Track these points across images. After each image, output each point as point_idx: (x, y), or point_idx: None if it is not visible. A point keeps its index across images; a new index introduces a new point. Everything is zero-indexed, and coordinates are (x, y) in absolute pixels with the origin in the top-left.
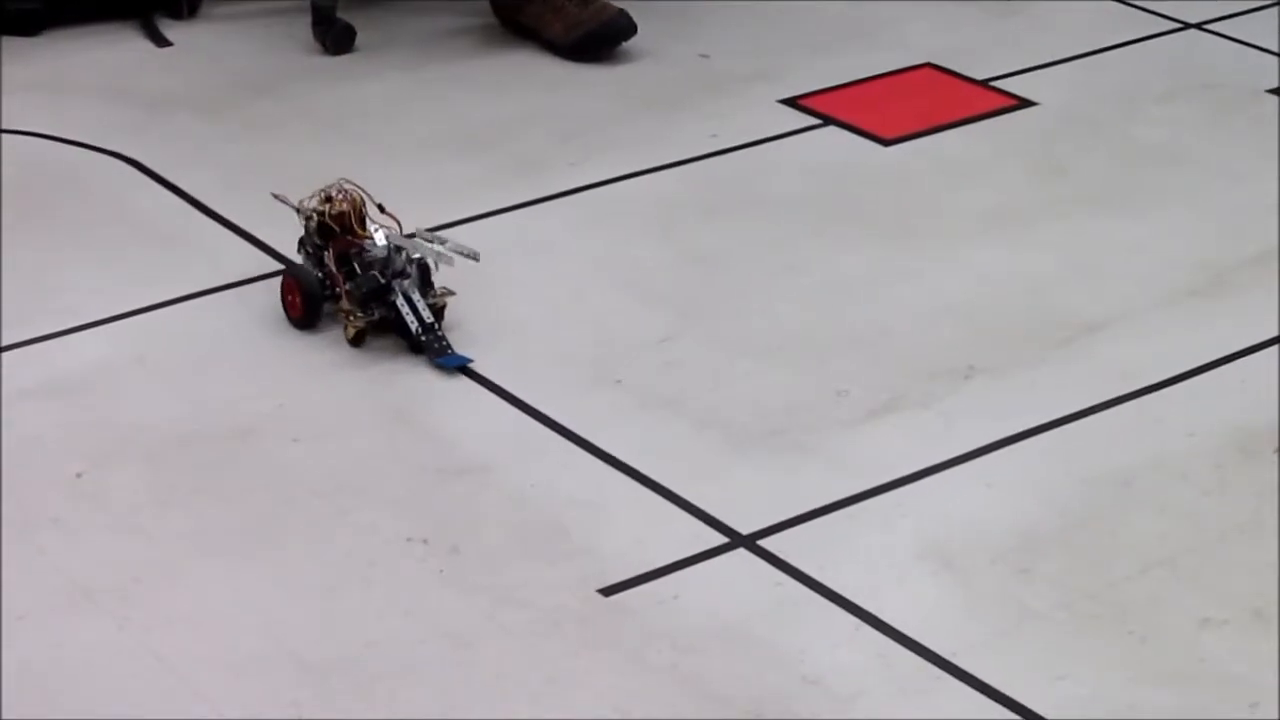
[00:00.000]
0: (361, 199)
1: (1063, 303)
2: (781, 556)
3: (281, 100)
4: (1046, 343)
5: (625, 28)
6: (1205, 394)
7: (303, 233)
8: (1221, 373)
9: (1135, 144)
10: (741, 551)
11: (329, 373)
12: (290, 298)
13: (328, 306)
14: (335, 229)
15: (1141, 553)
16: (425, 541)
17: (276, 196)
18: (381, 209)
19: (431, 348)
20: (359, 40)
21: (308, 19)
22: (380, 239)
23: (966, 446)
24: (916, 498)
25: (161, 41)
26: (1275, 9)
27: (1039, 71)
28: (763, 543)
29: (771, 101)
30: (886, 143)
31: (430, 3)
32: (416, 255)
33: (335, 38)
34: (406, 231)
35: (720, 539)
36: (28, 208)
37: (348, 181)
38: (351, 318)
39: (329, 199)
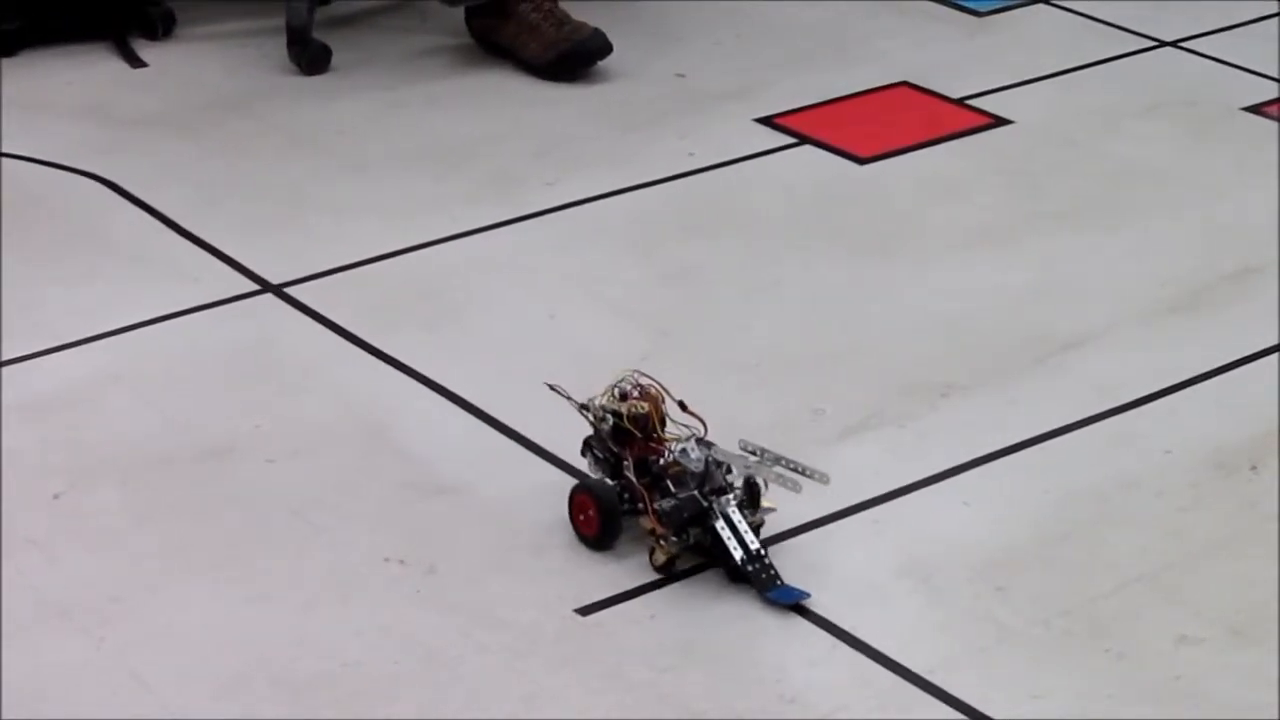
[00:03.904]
0: (661, 396)
1: (1040, 320)
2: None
3: (257, 120)
4: (1024, 360)
5: (601, 47)
6: (1182, 411)
7: (591, 434)
8: (1199, 390)
9: (1112, 161)
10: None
11: (304, 392)
12: (584, 515)
13: (626, 522)
14: (634, 432)
15: (1119, 570)
16: (402, 561)
17: (553, 388)
18: (683, 407)
19: (760, 579)
20: (335, 60)
21: (283, 39)
22: (695, 449)
23: (943, 464)
24: (894, 515)
25: (136, 62)
26: (1250, 27)
27: (1015, 89)
28: (583, 460)
29: (748, 120)
30: (863, 161)
31: (406, 23)
32: (749, 472)
33: (311, 58)
34: (707, 433)
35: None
36: (3, 228)
37: (642, 374)
38: (662, 542)
39: (624, 396)
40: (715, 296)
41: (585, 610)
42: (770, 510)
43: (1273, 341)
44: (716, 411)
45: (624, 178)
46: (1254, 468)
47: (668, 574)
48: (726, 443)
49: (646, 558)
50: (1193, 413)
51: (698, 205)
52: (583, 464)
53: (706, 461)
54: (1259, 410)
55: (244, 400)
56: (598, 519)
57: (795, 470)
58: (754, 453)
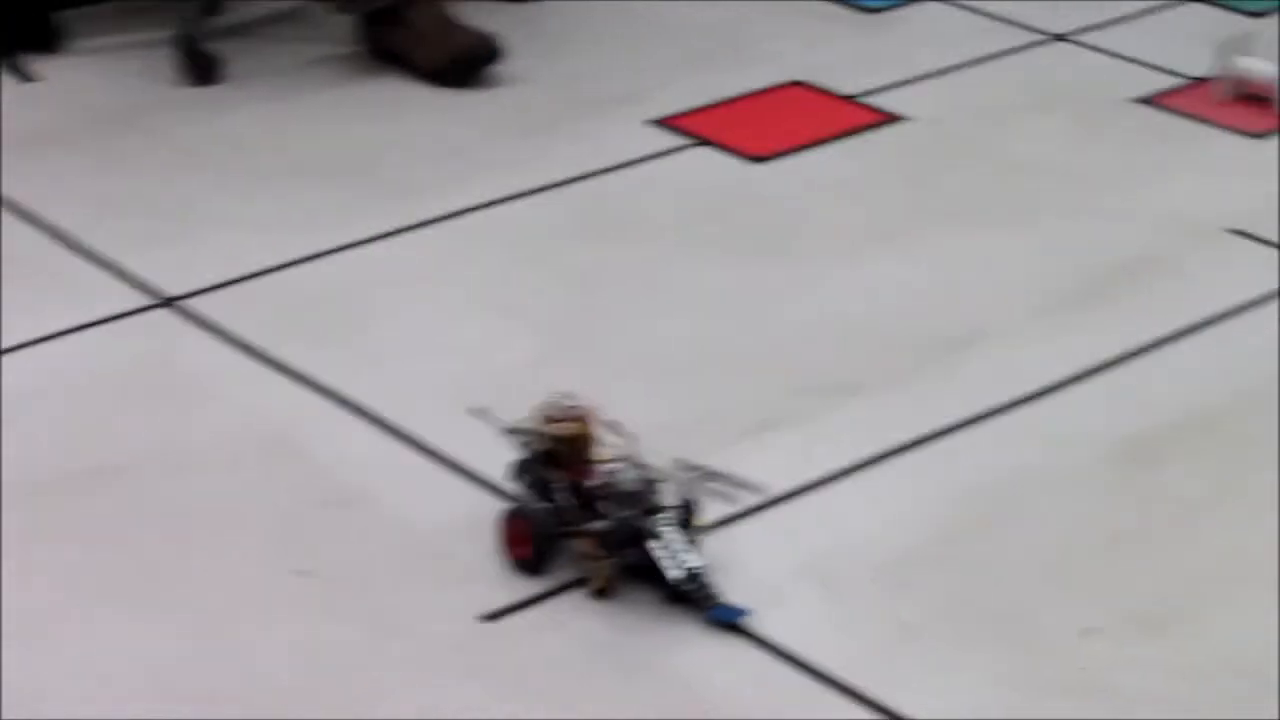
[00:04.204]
0: (591, 417)
1: (937, 316)
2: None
3: (148, 133)
4: (922, 356)
5: (492, 52)
6: (1081, 404)
7: (523, 457)
8: (1096, 382)
9: (1005, 157)
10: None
11: (203, 405)
12: (517, 539)
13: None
14: (565, 455)
15: (1021, 564)
16: (307, 573)
17: (478, 414)
18: (613, 428)
19: (698, 599)
20: (226, 71)
21: (174, 50)
22: (628, 470)
23: (844, 462)
24: (795, 515)
25: (25, 77)
26: (1139, 20)
27: (908, 86)
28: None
29: (641, 122)
30: (757, 161)
31: (297, 32)
32: (685, 491)
33: (202, 69)
34: (638, 454)
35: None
36: None
37: (569, 395)
38: (599, 565)
39: (554, 419)
40: (613, 300)
41: (490, 618)
42: (707, 529)
43: (1169, 331)
44: (617, 416)
45: (518, 183)
46: (1154, 459)
47: (606, 597)
48: (653, 456)
49: (560, 570)
50: (1091, 405)
51: (593, 209)
52: (491, 473)
53: (641, 481)
54: (1157, 401)
55: (143, 415)
56: (531, 543)
57: (732, 485)
58: (689, 470)
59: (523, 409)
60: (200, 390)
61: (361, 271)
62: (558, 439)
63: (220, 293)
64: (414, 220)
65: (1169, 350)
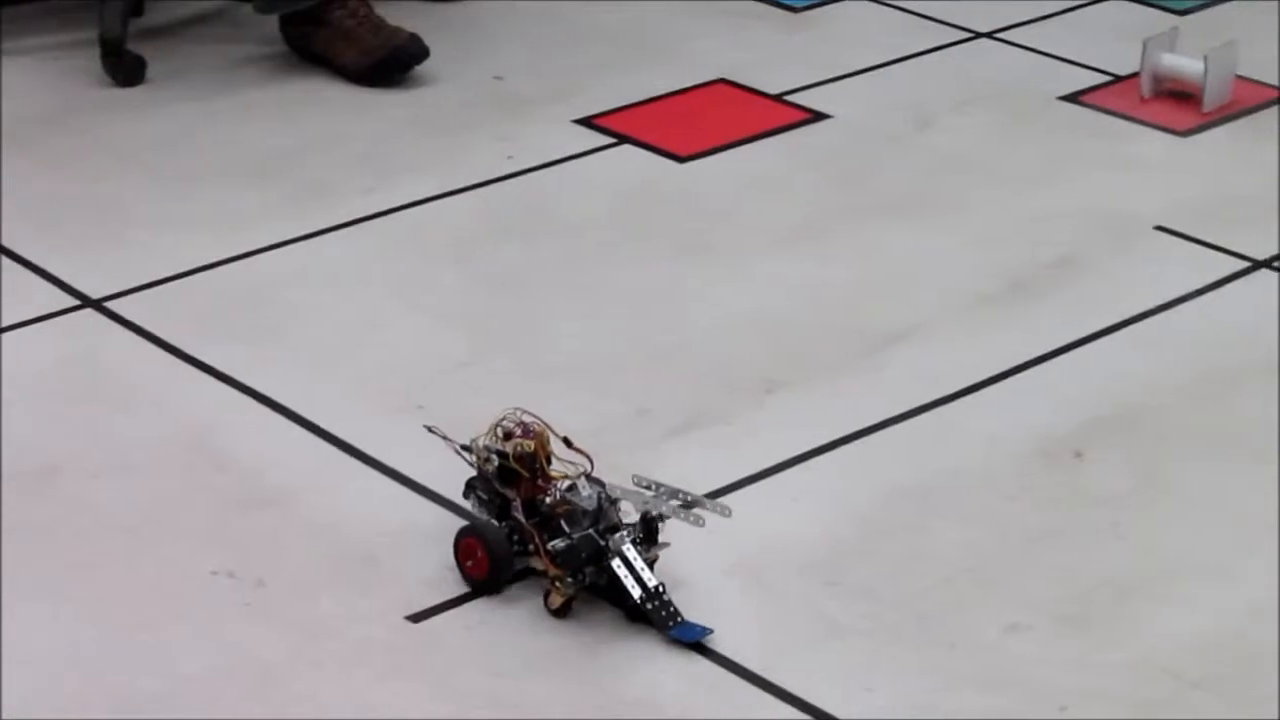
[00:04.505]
0: (546, 433)
1: (862, 314)
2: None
3: (73, 134)
4: (847, 354)
5: (417, 52)
6: (1006, 401)
7: (474, 475)
8: (1021, 379)
9: (930, 154)
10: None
11: (128, 406)
12: (472, 558)
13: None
14: (521, 472)
15: (946, 561)
16: (231, 574)
17: (432, 431)
18: (569, 443)
19: (659, 618)
20: (150, 71)
21: (97, 52)
22: (585, 486)
23: (770, 461)
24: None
25: None
26: (1064, 16)
27: (833, 84)
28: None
29: (567, 121)
30: (682, 159)
31: (220, 32)
32: (646, 508)
33: (125, 70)
34: (592, 471)
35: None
36: None
37: (525, 412)
38: (558, 584)
39: (508, 435)
40: (537, 299)
41: (417, 618)
42: (665, 546)
43: (1094, 328)
44: (540, 414)
45: (443, 183)
46: (1078, 455)
47: (564, 616)
48: (610, 473)
49: (517, 589)
50: (1016, 402)
51: (518, 208)
52: (416, 473)
53: (599, 498)
54: (1082, 398)
55: (67, 417)
56: (487, 561)
57: (693, 505)
58: (648, 487)
59: (449, 409)
60: (124, 391)
61: (286, 272)
62: (513, 456)
63: (144, 293)
64: (338, 220)
65: (1094, 347)
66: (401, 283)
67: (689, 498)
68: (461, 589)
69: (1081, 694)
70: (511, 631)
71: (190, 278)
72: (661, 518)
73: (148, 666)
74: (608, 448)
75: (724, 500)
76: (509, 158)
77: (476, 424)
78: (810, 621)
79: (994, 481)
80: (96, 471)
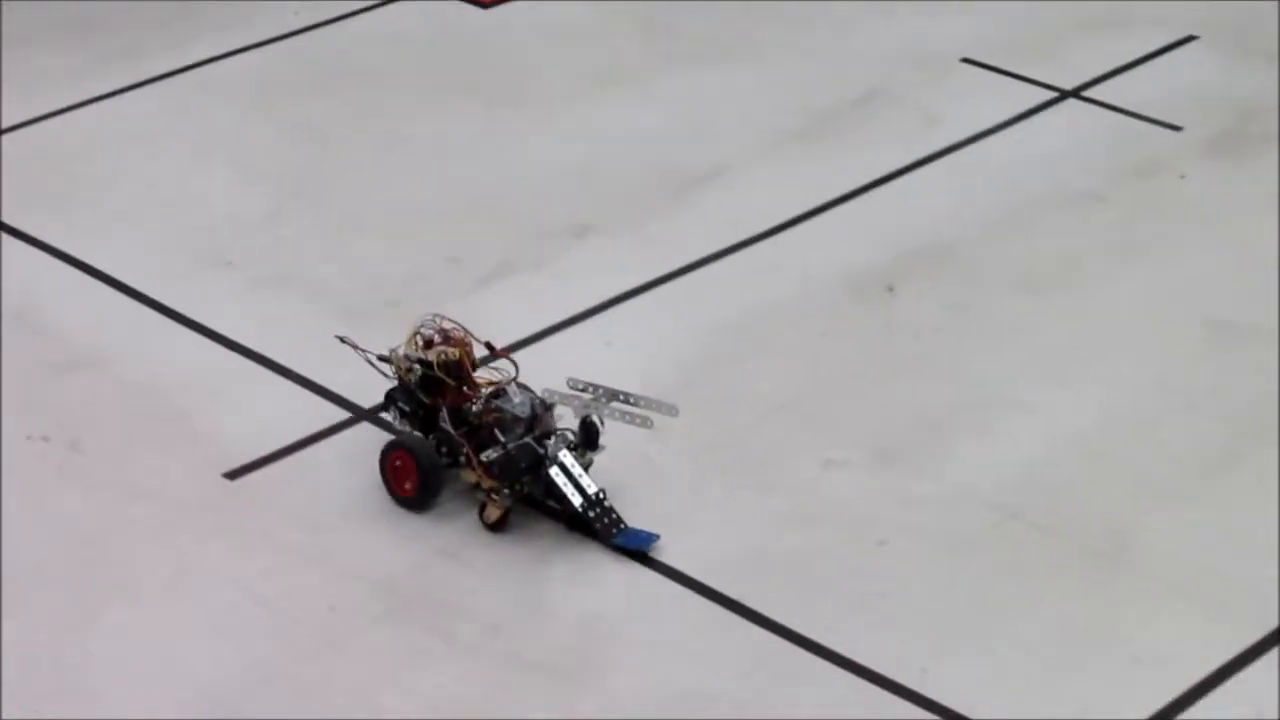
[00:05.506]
0: (467, 339)
1: (672, 156)
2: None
3: None
4: (658, 197)
5: None
6: (817, 237)
7: (395, 386)
8: (832, 215)
9: None
10: (365, 425)
11: None
12: (400, 474)
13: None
14: (447, 381)
15: (762, 399)
16: (45, 439)
17: (344, 340)
18: (491, 348)
19: (602, 526)
20: None
21: None
22: (516, 393)
23: (583, 305)
24: (536, 359)
25: None
26: None
27: None
28: (386, 415)
29: None
30: (486, 6)
31: None
32: (585, 412)
33: None
34: (519, 373)
35: (343, 414)
36: None
37: (443, 318)
38: (494, 496)
39: (429, 343)
40: (344, 152)
41: (233, 474)
42: (602, 450)
43: (904, 163)
44: (355, 270)
45: (245, 37)
46: (890, 289)
47: (502, 530)
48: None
49: (448, 501)
50: (828, 238)
51: (316, 62)
52: (230, 330)
53: (532, 404)
54: (894, 232)
55: None
56: (417, 477)
57: (635, 404)
58: (584, 389)
59: (260, 265)
60: None
61: (92, 131)
62: (438, 364)
63: None
64: (139, 78)
65: (904, 181)
66: (208, 138)
67: (630, 397)
68: (278, 443)
69: (900, 527)
70: (330, 485)
71: None
72: (602, 421)
73: None
74: (420, 297)
75: (538, 346)
76: (295, 14)
77: (288, 276)
78: (631, 464)
79: (807, 318)
80: None
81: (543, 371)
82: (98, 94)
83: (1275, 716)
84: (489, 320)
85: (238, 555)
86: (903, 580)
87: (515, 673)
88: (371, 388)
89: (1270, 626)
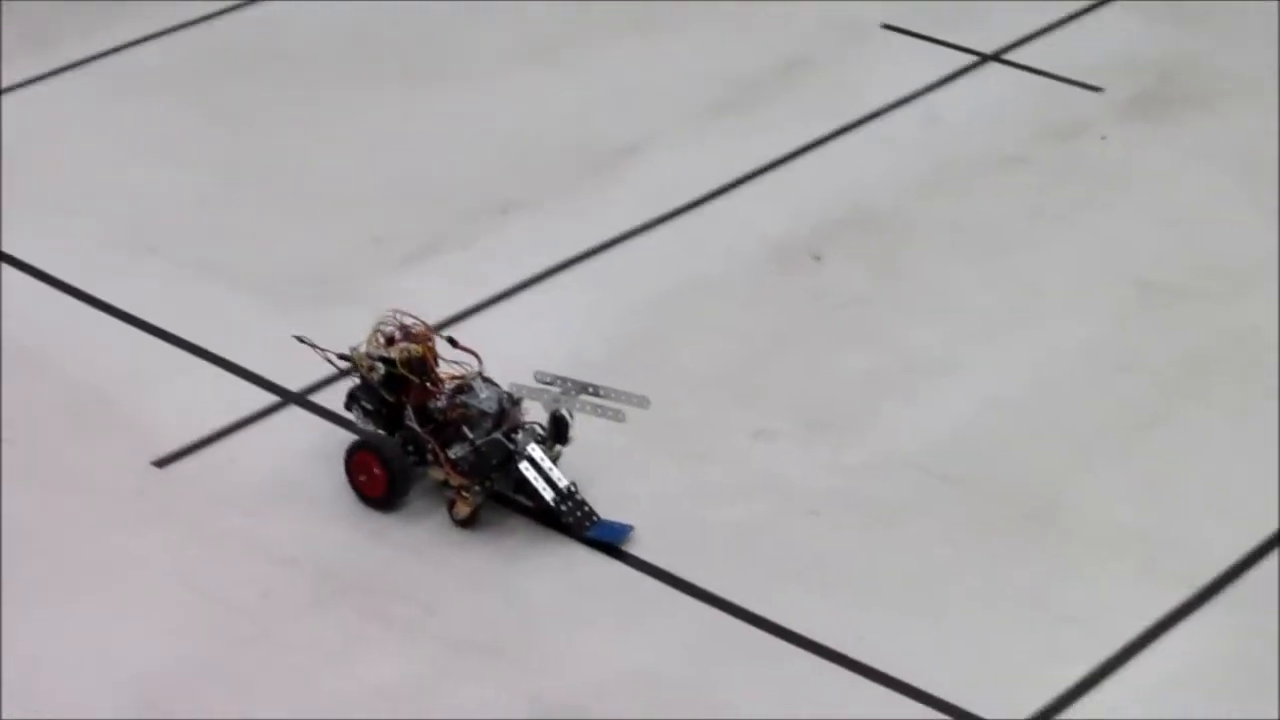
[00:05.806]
0: (429, 335)
1: (595, 129)
2: (335, 410)
3: None
4: (582, 170)
5: None
6: (742, 208)
7: (357, 385)
8: (756, 185)
9: None
10: (294, 409)
11: None
12: (367, 475)
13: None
14: (410, 378)
15: (691, 372)
16: None
17: (302, 340)
18: (453, 343)
19: (575, 520)
20: None
21: None
22: (482, 388)
23: (509, 282)
24: (463, 338)
25: None
26: None
27: None
28: (315, 398)
29: None
30: None
31: None
32: (555, 406)
33: None
34: (482, 366)
35: (271, 398)
36: None
37: (402, 314)
38: (464, 493)
39: (390, 340)
40: (268, 135)
41: (163, 462)
42: (571, 442)
43: (827, 130)
44: (280, 252)
45: (159, 21)
46: (817, 258)
47: (472, 526)
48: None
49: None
50: (753, 208)
51: (239, 45)
52: (160, 320)
53: (500, 399)
54: (818, 200)
55: None
56: (384, 477)
57: (604, 397)
58: (551, 383)
59: (186, 251)
60: None
61: (11, 121)
62: (401, 361)
63: None
64: (57, 64)
65: (828, 149)
66: (130, 125)
67: (599, 389)
68: (207, 429)
69: (832, 495)
70: (260, 469)
71: None
72: (572, 414)
73: None
74: (344, 278)
75: (465, 324)
76: None
77: (215, 266)
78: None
79: (734, 290)
80: None
81: (474, 349)
82: (8, 84)
83: (1207, 672)
84: (415, 300)
85: (173, 544)
86: (836, 548)
87: (451, 654)
88: (300, 371)
89: (1201, 583)
